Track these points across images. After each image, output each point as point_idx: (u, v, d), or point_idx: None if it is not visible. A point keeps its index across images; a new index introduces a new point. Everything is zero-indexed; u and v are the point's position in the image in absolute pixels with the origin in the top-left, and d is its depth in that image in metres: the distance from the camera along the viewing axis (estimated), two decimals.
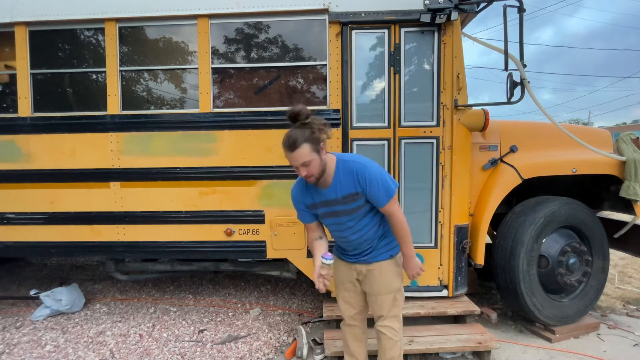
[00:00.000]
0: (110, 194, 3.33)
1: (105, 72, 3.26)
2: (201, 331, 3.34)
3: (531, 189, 3.47)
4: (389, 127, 3.11)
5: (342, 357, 2.53)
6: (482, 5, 3.10)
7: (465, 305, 3.13)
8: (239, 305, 3.91)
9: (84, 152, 3.31)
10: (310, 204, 2.09)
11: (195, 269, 3.77)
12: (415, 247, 3.11)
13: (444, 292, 3.22)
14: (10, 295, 4.20)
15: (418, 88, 3.13)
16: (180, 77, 3.37)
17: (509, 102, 2.82)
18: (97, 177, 3.32)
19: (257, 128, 3.19)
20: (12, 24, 3.29)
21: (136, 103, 3.37)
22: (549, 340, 3.09)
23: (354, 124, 3.12)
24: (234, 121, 3.20)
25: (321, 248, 2.08)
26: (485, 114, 3.09)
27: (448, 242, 3.15)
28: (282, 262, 3.57)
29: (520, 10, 2.75)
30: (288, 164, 3.11)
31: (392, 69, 3.08)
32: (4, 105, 3.47)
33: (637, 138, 3.57)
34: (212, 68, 3.21)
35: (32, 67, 3.34)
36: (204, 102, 3.21)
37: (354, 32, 3.08)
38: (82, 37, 3.37)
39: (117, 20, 3.23)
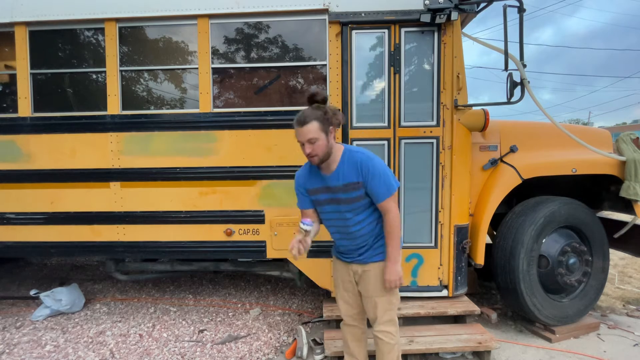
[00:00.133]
0: (110, 194, 3.33)
1: (105, 72, 3.26)
2: (201, 331, 3.34)
3: (531, 189, 3.47)
4: (389, 127, 3.11)
5: (342, 357, 2.53)
6: (482, 5, 3.10)
7: (465, 305, 3.13)
8: (239, 305, 3.91)
9: (84, 152, 3.32)
10: (311, 188, 2.11)
11: (195, 269, 3.77)
12: (415, 247, 3.16)
13: (444, 292, 3.22)
14: (10, 295, 4.20)
15: (418, 88, 3.13)
16: (180, 77, 3.37)
17: (509, 102, 2.82)
18: (97, 177, 3.32)
19: (257, 128, 3.19)
20: (12, 24, 3.29)
21: (136, 103, 3.37)
22: (549, 340, 3.09)
23: (354, 124, 3.12)
24: (234, 121, 3.20)
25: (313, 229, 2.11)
26: (485, 114, 3.09)
27: (448, 242, 3.15)
28: (282, 262, 3.57)
29: (520, 10, 2.75)
30: (288, 164, 3.16)
31: (392, 69, 3.08)
32: (4, 105, 3.47)
33: (637, 138, 3.57)
34: (212, 68, 3.20)
35: (32, 67, 3.34)
36: (204, 102, 3.21)
37: (354, 32, 3.08)
38: (82, 37, 3.37)
39: (117, 20, 3.23)
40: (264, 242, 3.27)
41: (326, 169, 2.02)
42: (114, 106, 3.27)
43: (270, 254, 3.28)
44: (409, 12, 3.00)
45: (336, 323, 3.05)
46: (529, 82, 2.80)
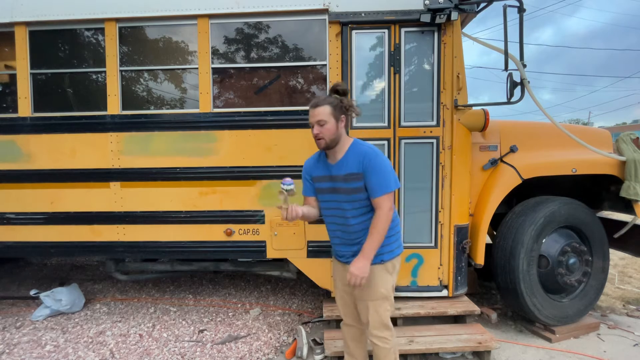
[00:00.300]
0: (110, 194, 3.33)
1: (105, 72, 3.26)
2: (201, 331, 3.34)
3: (531, 189, 3.47)
4: (389, 127, 3.11)
5: (342, 357, 2.53)
6: (482, 5, 3.10)
7: (465, 305, 3.13)
8: (239, 305, 3.91)
9: (84, 152, 3.32)
10: (315, 176, 2.15)
11: (195, 269, 3.77)
12: (415, 247, 3.16)
13: (444, 292, 3.22)
14: (10, 295, 4.20)
15: (418, 88, 3.13)
16: (180, 77, 3.37)
17: (509, 102, 2.82)
18: (97, 177, 3.32)
19: (257, 128, 3.19)
20: (12, 24, 3.29)
21: (136, 103, 3.37)
22: (549, 340, 3.09)
23: (354, 124, 3.11)
24: (234, 121, 3.20)
25: (304, 206, 2.14)
26: (485, 114, 3.09)
27: (448, 242, 3.15)
28: (282, 262, 3.57)
29: (520, 10, 2.75)
30: (288, 164, 3.17)
31: (392, 69, 3.08)
32: (4, 105, 3.47)
33: (637, 138, 3.57)
34: (212, 68, 3.21)
35: (32, 67, 3.34)
36: (204, 102, 3.21)
37: (354, 32, 3.08)
38: (82, 37, 3.38)
39: (117, 20, 3.23)
40: (264, 242, 3.27)
41: (332, 157, 2.06)
42: (114, 106, 3.27)
43: (270, 254, 3.28)
44: (409, 12, 3.00)
45: (336, 323, 3.05)
46: (529, 82, 2.80)
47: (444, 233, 3.16)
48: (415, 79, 3.13)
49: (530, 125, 3.65)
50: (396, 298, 3.10)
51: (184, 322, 3.51)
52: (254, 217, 3.24)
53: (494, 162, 3.32)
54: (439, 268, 3.21)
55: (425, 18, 2.93)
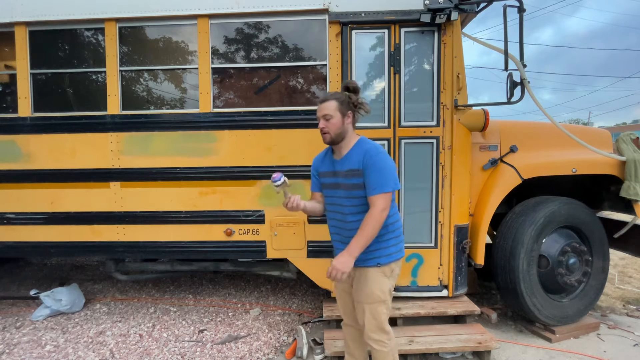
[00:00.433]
0: (110, 194, 3.33)
1: (105, 72, 3.26)
2: (201, 331, 3.34)
3: (531, 189, 3.47)
4: (389, 127, 3.11)
5: (342, 357, 2.53)
6: (482, 5, 3.10)
7: (465, 305, 3.13)
8: (239, 305, 3.91)
9: (84, 152, 3.32)
10: (321, 171, 2.19)
11: (195, 269, 3.77)
12: (416, 247, 3.16)
13: (444, 292, 3.22)
14: (10, 295, 4.20)
15: (418, 88, 3.13)
16: (180, 77, 3.37)
17: (509, 102, 2.82)
18: (97, 177, 3.32)
19: (257, 128, 3.19)
20: (12, 24, 3.29)
21: (136, 103, 3.37)
22: (549, 340, 3.09)
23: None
24: (234, 121, 3.20)
25: (309, 202, 2.18)
26: (485, 114, 3.09)
27: (448, 242, 3.15)
28: (282, 262, 3.57)
29: (520, 10, 2.75)
30: (288, 164, 3.17)
31: (392, 69, 3.08)
32: (4, 105, 3.47)
33: (637, 138, 3.57)
34: (212, 68, 3.21)
35: (32, 67, 3.34)
36: (204, 102, 3.21)
37: (354, 32, 3.08)
38: (82, 37, 3.37)
39: (117, 20, 3.23)
40: (264, 242, 3.27)
41: (338, 153, 2.09)
42: (114, 106, 3.27)
43: (270, 254, 3.28)
44: (409, 12, 3.00)
45: (336, 323, 3.05)
46: (529, 82, 2.80)
47: (444, 233, 3.16)
48: (415, 79, 3.13)
49: (530, 125, 3.65)
50: (396, 298, 3.11)
51: (184, 322, 3.51)
52: (250, 217, 3.24)
53: (494, 162, 3.32)
54: (439, 268, 3.21)
55: (425, 18, 2.94)
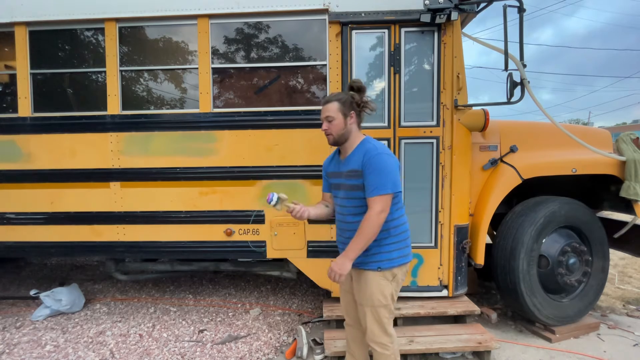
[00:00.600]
0: (110, 194, 3.33)
1: (105, 72, 3.26)
2: (201, 331, 3.34)
3: (531, 189, 3.47)
4: (388, 127, 3.11)
5: (342, 357, 2.53)
6: (482, 5, 3.10)
7: (465, 305, 3.13)
8: (239, 305, 3.91)
9: (84, 152, 3.32)
10: (329, 171, 2.20)
11: (195, 269, 3.78)
12: (416, 247, 3.16)
13: (444, 292, 3.22)
14: (10, 295, 4.20)
15: (418, 88, 3.13)
16: (180, 77, 3.37)
17: (509, 102, 2.82)
18: (97, 177, 3.32)
19: (257, 128, 3.19)
20: (12, 24, 3.29)
21: (136, 103, 3.37)
22: (549, 340, 3.09)
23: None
24: (234, 121, 3.20)
25: (313, 206, 2.19)
26: (485, 114, 3.09)
27: (448, 242, 3.15)
28: (282, 262, 3.57)
29: (520, 10, 2.75)
30: (288, 164, 3.17)
31: (392, 69, 3.08)
32: (4, 105, 3.47)
33: (637, 138, 3.57)
34: (212, 68, 3.21)
35: (32, 67, 3.34)
36: (204, 102, 3.21)
37: (354, 32, 3.08)
38: (82, 37, 3.37)
39: (117, 20, 3.23)
40: (264, 242, 3.27)
41: (343, 153, 2.10)
42: (113, 106, 3.27)
43: (270, 254, 3.28)
44: (409, 12, 3.00)
45: (336, 323, 3.06)
46: (529, 82, 2.80)
47: (444, 233, 3.16)
48: (415, 79, 3.13)
49: (530, 125, 3.65)
50: (396, 298, 3.11)
51: (184, 322, 3.51)
52: (250, 217, 3.24)
53: (494, 162, 3.32)
54: (439, 268, 3.21)
55: (425, 18, 2.94)
